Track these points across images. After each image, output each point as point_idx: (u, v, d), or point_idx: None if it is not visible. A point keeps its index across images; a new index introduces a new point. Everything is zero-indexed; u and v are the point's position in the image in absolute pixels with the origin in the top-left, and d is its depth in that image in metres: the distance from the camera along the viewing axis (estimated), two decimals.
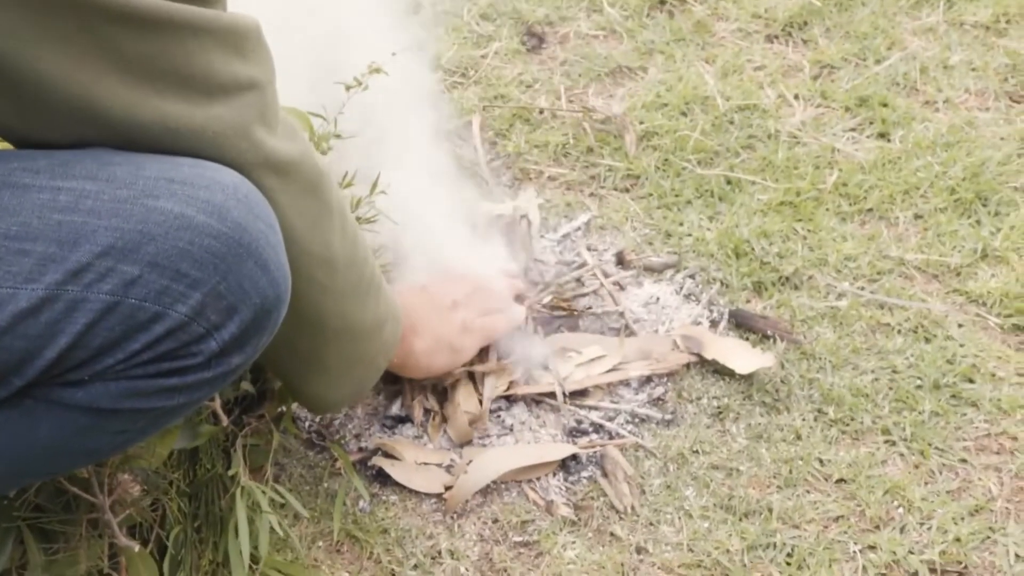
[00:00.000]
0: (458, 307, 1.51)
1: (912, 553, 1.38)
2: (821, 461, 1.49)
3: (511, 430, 1.52)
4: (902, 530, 1.41)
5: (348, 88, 1.58)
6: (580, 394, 1.56)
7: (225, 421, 1.32)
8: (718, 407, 1.56)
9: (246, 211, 0.99)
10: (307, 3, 1.93)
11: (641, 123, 2.02)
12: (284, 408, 1.43)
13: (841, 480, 1.47)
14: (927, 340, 1.62)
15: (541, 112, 2.07)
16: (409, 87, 1.94)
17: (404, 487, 1.46)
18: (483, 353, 1.57)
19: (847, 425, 1.52)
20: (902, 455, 1.49)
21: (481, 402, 1.52)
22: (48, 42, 0.92)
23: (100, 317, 0.96)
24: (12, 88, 0.95)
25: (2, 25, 0.91)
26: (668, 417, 1.54)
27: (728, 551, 1.39)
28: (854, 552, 1.39)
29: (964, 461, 1.48)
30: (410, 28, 2.11)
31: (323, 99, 1.60)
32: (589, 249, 1.80)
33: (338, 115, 1.57)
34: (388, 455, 1.49)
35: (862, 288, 1.70)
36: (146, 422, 1.03)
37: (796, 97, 2.07)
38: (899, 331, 1.64)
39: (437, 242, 1.69)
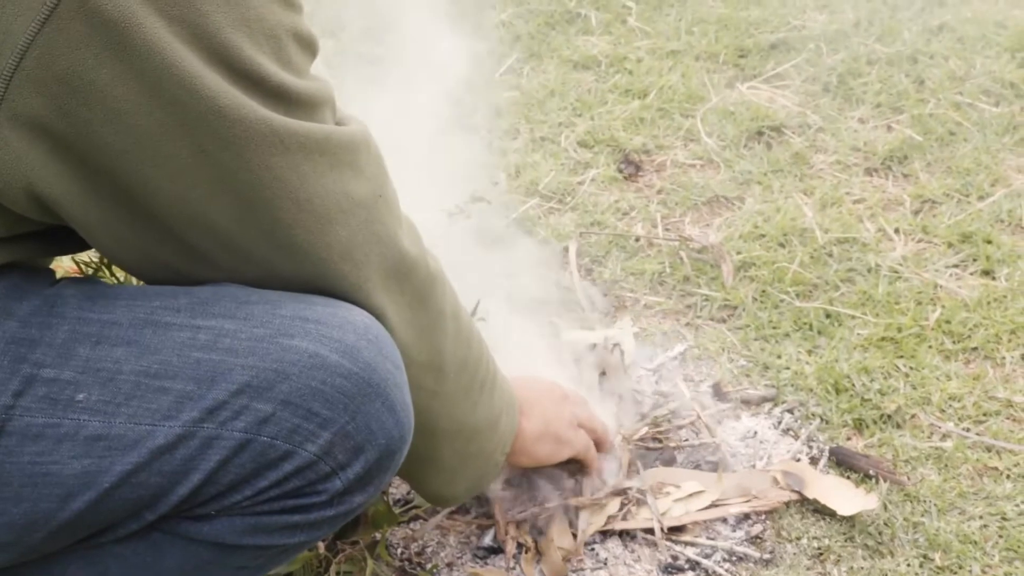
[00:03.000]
0: (568, 401, 1.48)
1: None
2: None
3: (605, 564, 1.49)
4: None
5: (450, 215, 1.60)
6: (677, 530, 1.53)
7: (320, 547, 1.31)
8: (819, 548, 1.51)
9: (376, 352, 1.00)
10: (411, 133, 1.97)
11: (738, 253, 2.01)
12: (378, 535, 1.41)
13: None
14: None
15: (637, 240, 2.08)
16: (508, 214, 1.97)
17: None
18: (578, 486, 1.54)
19: (955, 573, 1.47)
20: None
21: (576, 536, 1.50)
22: (160, 164, 0.94)
23: (233, 454, 0.97)
24: (128, 207, 0.96)
25: (116, 145, 0.92)
26: (767, 556, 1.50)
27: None
28: None
29: None
30: (509, 155, 2.15)
31: (424, 226, 1.63)
32: (685, 380, 1.78)
33: (439, 243, 1.59)
34: None
35: (967, 429, 1.66)
36: (266, 559, 1.03)
37: (897, 231, 2.05)
38: (1008, 476, 1.59)
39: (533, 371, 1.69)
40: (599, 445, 1.54)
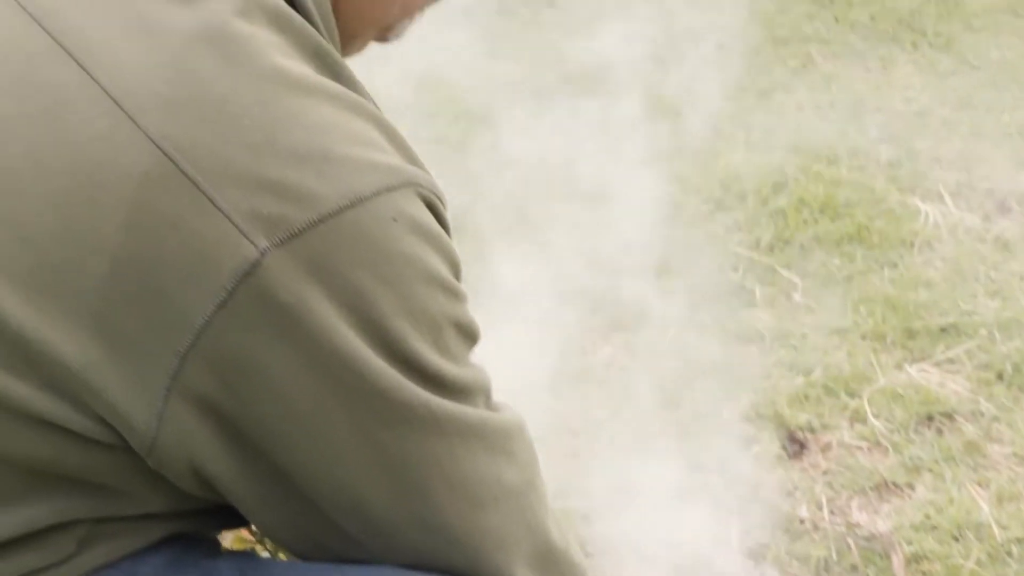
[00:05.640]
0: None
1: None
2: None
3: None
4: None
5: None
6: None
7: None
8: None
9: None
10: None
11: (908, 544, 1.93)
12: None
13: None
14: None
15: (802, 522, 2.01)
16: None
17: None
18: None
19: None
20: None
21: None
22: (319, 446, 0.95)
23: None
24: (283, 486, 0.97)
25: (278, 425, 0.93)
26: None
27: None
28: None
29: None
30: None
31: None
32: None
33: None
34: None
35: None
36: None
37: None
38: None
39: None
40: None
